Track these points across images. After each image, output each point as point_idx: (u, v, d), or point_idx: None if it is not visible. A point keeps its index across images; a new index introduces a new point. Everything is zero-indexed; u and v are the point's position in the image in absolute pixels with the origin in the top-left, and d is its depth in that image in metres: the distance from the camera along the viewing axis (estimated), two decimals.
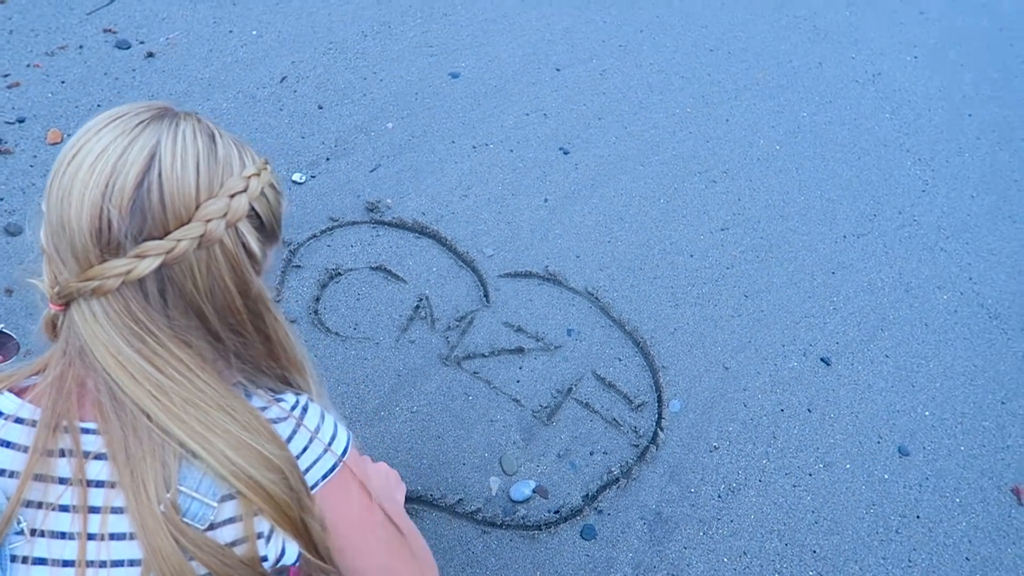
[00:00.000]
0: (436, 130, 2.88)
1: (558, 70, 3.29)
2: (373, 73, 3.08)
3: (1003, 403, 2.34)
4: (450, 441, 2.00)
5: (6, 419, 0.81)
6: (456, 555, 1.80)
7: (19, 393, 0.83)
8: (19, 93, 2.64)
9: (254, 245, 0.82)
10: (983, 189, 3.17)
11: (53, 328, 0.83)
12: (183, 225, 0.76)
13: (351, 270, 2.33)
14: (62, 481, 0.80)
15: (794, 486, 2.05)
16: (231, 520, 0.84)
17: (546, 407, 2.12)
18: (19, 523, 0.79)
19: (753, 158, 3.05)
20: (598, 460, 2.03)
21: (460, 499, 1.89)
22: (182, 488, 0.81)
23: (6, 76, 2.70)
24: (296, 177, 2.58)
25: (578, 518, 1.91)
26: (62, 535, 0.80)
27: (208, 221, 0.77)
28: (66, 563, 0.80)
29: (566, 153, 2.89)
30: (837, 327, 2.47)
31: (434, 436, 2.00)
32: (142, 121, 0.77)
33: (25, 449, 0.80)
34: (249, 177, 0.81)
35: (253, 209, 0.82)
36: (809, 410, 2.23)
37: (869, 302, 2.57)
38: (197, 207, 0.77)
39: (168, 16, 3.14)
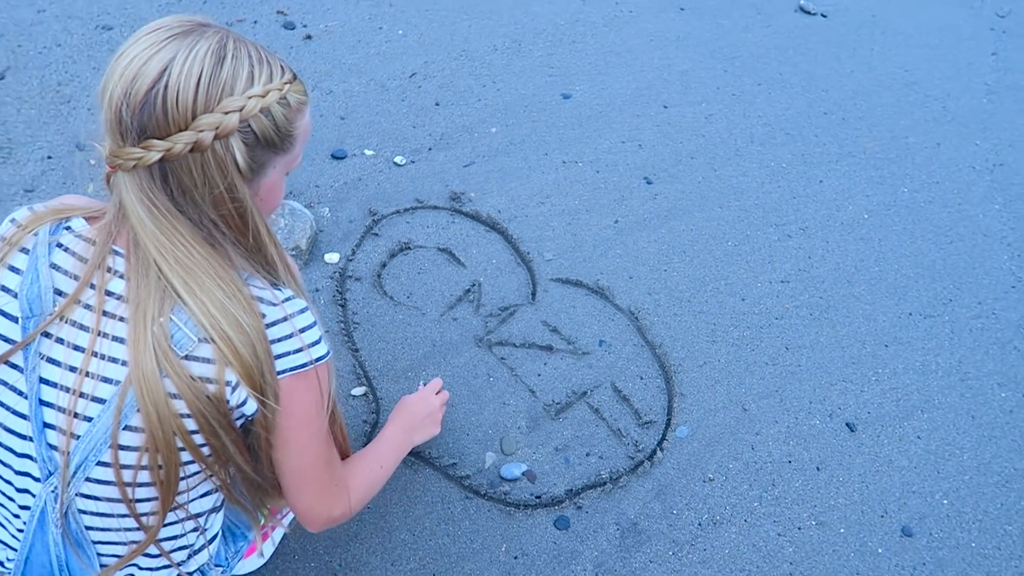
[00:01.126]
0: (534, 141, 3.10)
1: (665, 107, 3.43)
2: (492, 83, 3.35)
3: None
4: (461, 412, 2.18)
5: (75, 235, 1.08)
6: (436, 510, 1.98)
7: (90, 220, 1.10)
8: None
9: (240, 158, 1.01)
10: None
11: (109, 183, 1.07)
12: (180, 131, 0.96)
13: (420, 247, 2.58)
14: (92, 287, 1.05)
15: (779, 535, 2.06)
16: (206, 360, 1.05)
17: (558, 403, 2.26)
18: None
19: (837, 221, 3.03)
20: (592, 462, 2.14)
21: (454, 463, 2.07)
22: (173, 317, 1.03)
23: None
24: (398, 160, 2.88)
25: (557, 508, 2.03)
26: (80, 326, 1.04)
27: (200, 132, 0.96)
28: (77, 347, 1.04)
29: (649, 183, 3.02)
30: (873, 398, 2.43)
31: (448, 404, 2.18)
32: (172, 36, 0.98)
33: (80, 258, 1.06)
34: (250, 97, 0.99)
35: (250, 126, 1.01)
36: (818, 468, 2.22)
37: (916, 381, 2.50)
38: (194, 118, 0.96)
39: (332, 7, 3.57)
